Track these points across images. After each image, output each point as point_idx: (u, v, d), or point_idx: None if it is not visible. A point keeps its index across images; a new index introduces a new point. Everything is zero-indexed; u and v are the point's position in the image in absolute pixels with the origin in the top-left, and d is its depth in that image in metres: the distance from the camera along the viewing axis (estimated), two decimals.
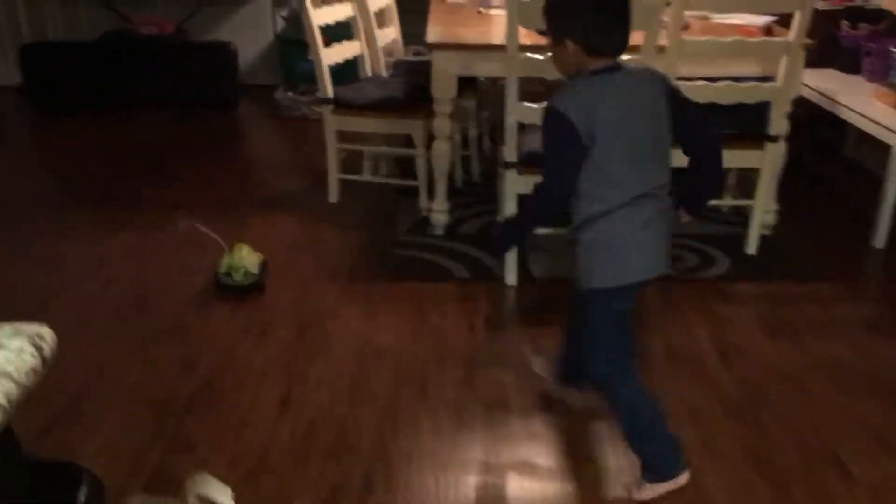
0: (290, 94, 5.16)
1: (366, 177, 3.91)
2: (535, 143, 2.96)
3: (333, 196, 3.77)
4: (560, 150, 1.85)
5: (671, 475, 1.98)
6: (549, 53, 1.91)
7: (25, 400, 0.75)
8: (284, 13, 5.31)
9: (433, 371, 2.50)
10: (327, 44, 3.64)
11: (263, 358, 2.60)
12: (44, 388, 2.41)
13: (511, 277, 3.03)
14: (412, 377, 2.47)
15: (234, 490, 2.00)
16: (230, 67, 5.30)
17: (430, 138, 3.41)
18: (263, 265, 3.02)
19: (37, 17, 5.61)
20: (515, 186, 2.90)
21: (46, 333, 0.79)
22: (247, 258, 2.95)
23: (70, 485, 1.05)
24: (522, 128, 2.87)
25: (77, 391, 2.43)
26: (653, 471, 1.98)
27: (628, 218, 1.83)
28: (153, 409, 2.34)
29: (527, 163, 2.87)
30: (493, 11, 3.74)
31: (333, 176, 3.75)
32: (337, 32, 3.75)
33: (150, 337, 2.70)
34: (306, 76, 4.66)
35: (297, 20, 4.76)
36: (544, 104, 1.89)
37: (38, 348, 0.78)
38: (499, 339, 2.70)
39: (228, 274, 2.93)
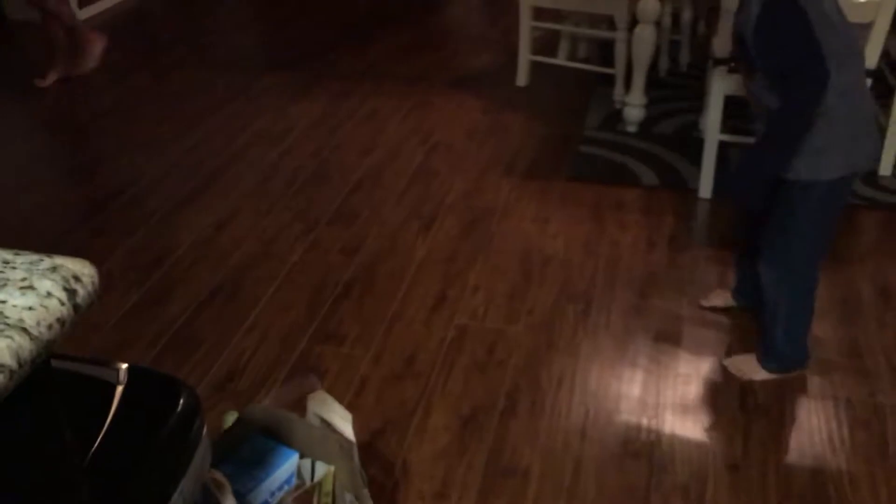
0: None
1: (559, 60, 3.59)
2: None
3: (522, 79, 3.51)
4: (809, 32, 1.60)
5: (798, 367, 1.96)
6: None
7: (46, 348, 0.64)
8: None
9: (601, 289, 2.28)
10: None
11: (426, 250, 2.49)
12: (213, 258, 2.49)
13: (706, 189, 2.69)
14: (577, 293, 2.27)
15: (375, 391, 1.95)
16: None
17: (635, 21, 3.04)
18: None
19: None
20: (724, 86, 2.52)
21: (87, 275, 0.67)
22: None
23: (170, 396, 0.97)
24: None
25: (243, 262, 2.45)
26: (782, 360, 1.94)
27: (860, 97, 1.72)
28: (310, 292, 2.31)
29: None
30: None
31: (524, 57, 3.48)
32: None
33: (320, 214, 2.67)
34: None
35: None
36: None
37: (71, 293, 0.66)
38: (681, 261, 2.41)
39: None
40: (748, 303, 2.11)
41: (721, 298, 2.18)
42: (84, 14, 4.39)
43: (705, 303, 2.20)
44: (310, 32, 4.23)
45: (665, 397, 1.92)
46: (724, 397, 1.92)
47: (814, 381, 1.96)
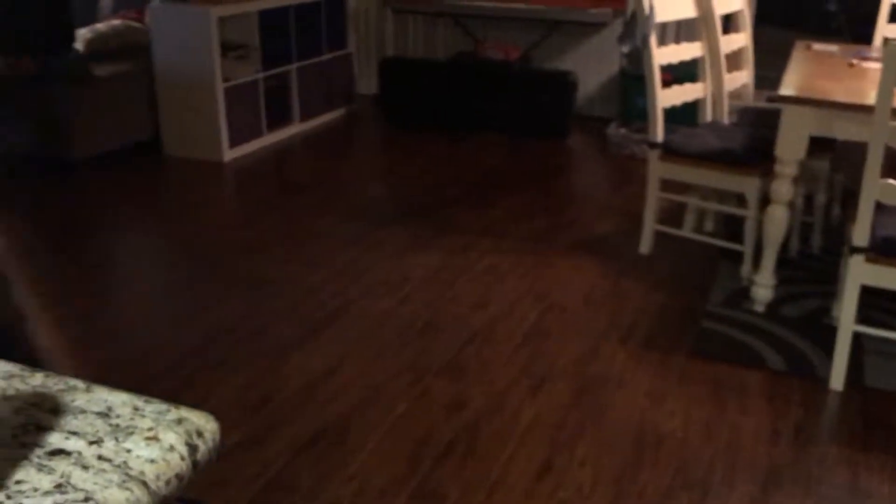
0: (623, 130, 4.94)
1: (685, 232, 3.56)
2: (894, 227, 2.46)
3: (645, 247, 3.48)
4: None
5: None
6: None
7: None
8: (626, 49, 5.09)
9: (719, 478, 2.13)
10: (669, 83, 3.38)
11: (533, 413, 2.42)
12: (319, 401, 2.50)
13: (838, 380, 2.53)
14: (693, 479, 2.13)
15: None
16: (568, 97, 5.22)
17: (766, 200, 3.00)
18: None
19: (401, 34, 6.00)
20: (861, 276, 2.42)
21: (209, 430, 0.66)
22: None
23: None
24: (880, 207, 2.38)
25: (348, 408, 2.44)
26: None
27: None
28: (412, 445, 2.27)
29: (881, 251, 2.37)
30: (868, 64, 3.21)
31: (649, 226, 3.46)
32: (685, 71, 3.47)
33: (428, 367, 2.66)
34: (643, 113, 4.43)
35: (639, 56, 4.53)
36: None
37: (192, 448, 0.65)
38: (809, 457, 2.24)
39: None
40: None
41: None
42: (232, 154, 4.72)
43: None
44: (434, 188, 4.38)
45: None
46: None
47: None
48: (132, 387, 2.35)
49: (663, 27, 4.72)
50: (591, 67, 5.51)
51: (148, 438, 0.67)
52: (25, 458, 0.65)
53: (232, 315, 3.00)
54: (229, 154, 4.70)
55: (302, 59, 5.20)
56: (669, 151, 3.31)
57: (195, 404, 2.23)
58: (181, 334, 2.89)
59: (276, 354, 2.73)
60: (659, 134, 3.32)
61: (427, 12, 5.76)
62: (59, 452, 0.65)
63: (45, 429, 0.68)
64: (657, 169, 3.37)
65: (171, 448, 0.66)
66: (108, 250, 3.65)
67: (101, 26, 4.92)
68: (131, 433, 0.68)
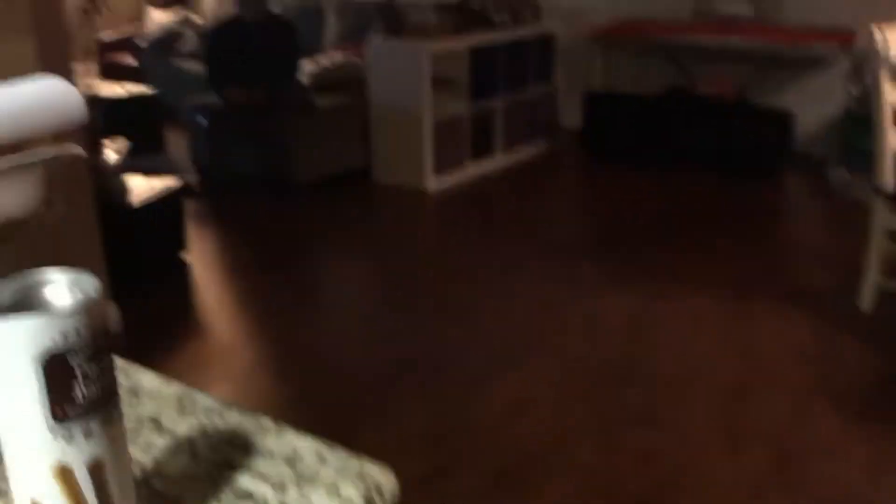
0: (846, 173, 4.58)
1: None
2: None
3: (866, 303, 3.19)
4: None
5: None
6: None
7: None
8: (855, 90, 4.72)
9: None
10: None
11: (730, 476, 2.27)
12: (503, 440, 2.48)
13: None
14: None
15: None
16: (784, 135, 4.93)
17: None
18: None
19: (609, 68, 5.93)
20: None
21: (389, 489, 0.67)
22: None
23: None
24: None
25: (534, 452, 2.40)
26: None
27: None
28: (599, 496, 2.20)
29: None
30: None
31: (871, 279, 3.17)
32: None
33: (619, 415, 2.57)
34: (869, 156, 4.09)
35: (870, 95, 4.19)
36: None
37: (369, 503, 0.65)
38: None
39: None
40: None
41: None
42: (437, 184, 4.86)
43: None
44: (636, 226, 4.28)
45: None
46: None
47: None
48: (323, 410, 2.44)
49: None
50: (811, 105, 5.17)
51: (329, 491, 0.69)
52: (218, 498, 0.68)
53: (425, 343, 3.07)
54: (434, 183, 4.85)
55: (508, 93, 5.27)
56: None
57: (381, 432, 2.29)
58: (375, 359, 2.99)
59: (465, 388, 2.76)
60: (888, 180, 3.04)
61: (639, 47, 5.66)
62: (247, 496, 0.68)
63: (237, 468, 0.72)
64: (884, 218, 3.08)
65: (351, 502, 0.67)
66: (316, 271, 3.87)
67: (324, 60, 5.27)
68: (314, 482, 0.70)
